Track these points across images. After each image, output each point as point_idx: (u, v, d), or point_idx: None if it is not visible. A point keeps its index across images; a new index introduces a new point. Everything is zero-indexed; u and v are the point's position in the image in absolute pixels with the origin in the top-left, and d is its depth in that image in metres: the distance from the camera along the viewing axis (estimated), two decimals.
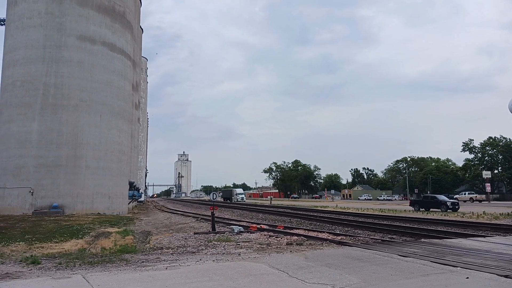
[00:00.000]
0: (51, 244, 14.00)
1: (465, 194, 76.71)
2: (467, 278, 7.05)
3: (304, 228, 19.64)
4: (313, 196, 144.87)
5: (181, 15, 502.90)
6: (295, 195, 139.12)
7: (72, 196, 29.11)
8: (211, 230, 17.70)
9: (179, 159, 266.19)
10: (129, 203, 40.28)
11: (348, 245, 12.00)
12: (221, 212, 35.46)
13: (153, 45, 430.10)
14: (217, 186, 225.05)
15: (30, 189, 28.09)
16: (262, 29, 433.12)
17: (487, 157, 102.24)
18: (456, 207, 36.55)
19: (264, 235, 15.98)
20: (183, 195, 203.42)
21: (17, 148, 28.82)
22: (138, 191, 48.63)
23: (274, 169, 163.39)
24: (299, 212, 34.60)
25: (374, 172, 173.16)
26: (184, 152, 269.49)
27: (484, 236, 14.87)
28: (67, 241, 14.86)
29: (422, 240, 13.69)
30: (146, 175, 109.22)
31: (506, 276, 7.09)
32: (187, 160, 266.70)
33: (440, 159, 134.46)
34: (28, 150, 28.69)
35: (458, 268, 7.91)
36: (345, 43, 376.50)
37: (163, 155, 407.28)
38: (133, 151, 47.21)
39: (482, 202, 66.78)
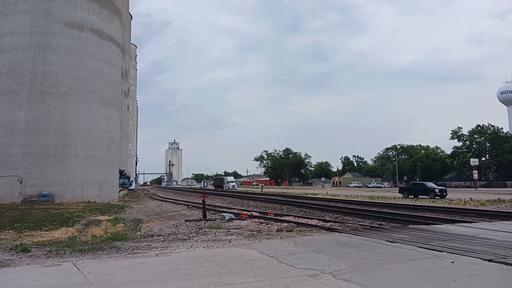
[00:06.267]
0: (41, 232, 13.96)
1: None
2: (452, 262, 7.21)
3: (294, 215, 19.82)
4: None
5: (171, 1, 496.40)
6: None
7: (62, 185, 28.89)
8: (202, 218, 17.78)
9: (169, 147, 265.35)
10: (119, 191, 40.17)
11: (337, 231, 12.16)
12: (212, 200, 35.57)
13: (142, 32, 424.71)
14: (208, 174, 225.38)
15: (19, 177, 27.80)
16: (254, 17, 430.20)
17: (475, 145, 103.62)
18: (444, 194, 37.18)
19: (255, 222, 16.10)
20: (174, 183, 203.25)
21: (4, 136, 28.39)
22: (129, 179, 48.54)
23: (265, 157, 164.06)
24: (289, 200, 34.85)
25: (364, 160, 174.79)
26: (174, 140, 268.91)
27: (470, 222, 15.16)
28: (57, 229, 14.82)
29: (410, 226, 13.93)
30: (136, 164, 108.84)
31: (490, 260, 7.27)
32: (178, 148, 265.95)
33: (429, 147, 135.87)
34: (15, 139, 28.29)
35: (444, 253, 8.08)
36: (337, 31, 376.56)
37: (154, 143, 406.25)
38: (123, 139, 46.83)
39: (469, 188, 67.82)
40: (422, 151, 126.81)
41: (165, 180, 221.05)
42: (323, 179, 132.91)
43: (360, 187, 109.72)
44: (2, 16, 30.11)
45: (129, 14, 61.11)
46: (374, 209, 23.93)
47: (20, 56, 29.11)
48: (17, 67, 29.02)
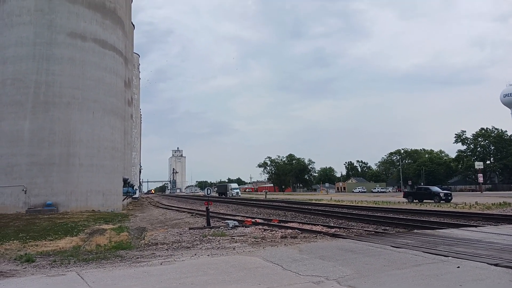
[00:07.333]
0: (46, 242, 13.97)
1: None
2: (458, 267, 7.16)
3: (299, 221, 19.75)
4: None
5: (173, 10, 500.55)
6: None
7: (66, 194, 28.95)
8: (206, 225, 17.75)
9: (173, 155, 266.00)
10: (123, 200, 40.21)
11: (342, 237, 12.10)
12: (216, 207, 35.51)
13: (145, 41, 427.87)
14: (212, 181, 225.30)
15: (23, 187, 27.90)
16: (255, 23, 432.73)
17: (479, 148, 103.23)
18: (449, 198, 36.96)
19: (259, 229, 16.05)
20: (178, 191, 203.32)
21: (9, 146, 28.56)
22: (133, 187, 48.51)
23: (268, 164, 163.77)
24: (293, 206, 34.74)
25: (368, 165, 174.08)
26: (178, 148, 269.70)
27: (476, 226, 15.05)
28: (62, 239, 14.83)
29: (415, 231, 13.84)
30: (140, 172, 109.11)
31: (496, 265, 7.21)
32: (181, 156, 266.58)
33: (433, 151, 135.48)
34: (20, 149, 28.44)
35: (450, 257, 8.02)
36: (338, 37, 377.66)
37: (157, 151, 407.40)
38: (126, 147, 46.99)
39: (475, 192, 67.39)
40: (426, 155, 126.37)
41: (169, 188, 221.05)
42: (327, 184, 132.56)
43: (364, 192, 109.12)
44: (6, 27, 30.43)
45: (132, 23, 61.62)
46: (378, 214, 23.82)
47: (24, 67, 29.36)
48: (21, 77, 29.26)
